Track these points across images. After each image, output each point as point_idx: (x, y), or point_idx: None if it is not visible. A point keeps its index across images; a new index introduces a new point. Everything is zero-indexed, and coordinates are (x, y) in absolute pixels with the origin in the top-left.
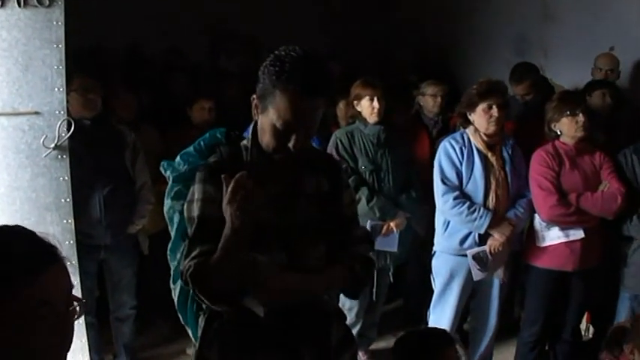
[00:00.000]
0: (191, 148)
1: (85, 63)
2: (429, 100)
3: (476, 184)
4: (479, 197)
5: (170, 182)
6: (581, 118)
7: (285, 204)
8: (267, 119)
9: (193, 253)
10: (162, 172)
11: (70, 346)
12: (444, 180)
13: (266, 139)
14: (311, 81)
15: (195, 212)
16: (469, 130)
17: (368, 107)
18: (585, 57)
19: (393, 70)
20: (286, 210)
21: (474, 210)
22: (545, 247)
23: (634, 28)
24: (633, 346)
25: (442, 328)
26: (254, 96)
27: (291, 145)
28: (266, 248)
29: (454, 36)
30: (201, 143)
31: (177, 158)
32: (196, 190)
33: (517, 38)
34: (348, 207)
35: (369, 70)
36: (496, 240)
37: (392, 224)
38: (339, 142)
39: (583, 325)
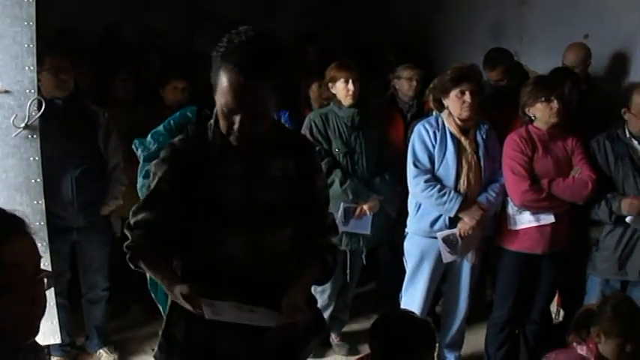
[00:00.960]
0: (161, 127)
1: (59, 43)
2: (405, 83)
3: (447, 168)
4: (450, 181)
5: (141, 161)
6: (555, 104)
7: (248, 185)
8: (217, 101)
9: (137, 218)
10: (135, 150)
11: (42, 315)
12: (416, 163)
13: (220, 121)
14: (252, 63)
15: (152, 185)
16: (444, 114)
17: (343, 90)
18: (560, 44)
19: (369, 52)
20: (249, 191)
21: (445, 193)
22: (517, 231)
23: (608, 17)
24: (599, 329)
25: (428, 322)
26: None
27: (235, 127)
28: (227, 228)
29: (431, 20)
30: (171, 122)
31: (148, 137)
32: (157, 167)
33: (494, 23)
34: (321, 192)
35: (345, 52)
36: (466, 223)
37: (365, 207)
38: (313, 125)
39: (554, 308)
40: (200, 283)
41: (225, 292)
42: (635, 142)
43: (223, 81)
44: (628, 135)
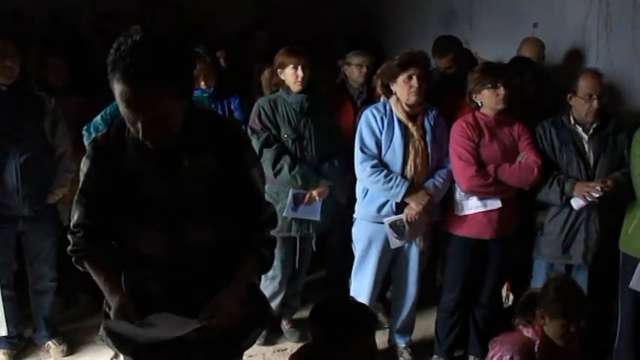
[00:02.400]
0: (99, 117)
1: (4, 28)
2: (355, 70)
3: (394, 153)
4: (397, 166)
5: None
6: (502, 90)
7: (166, 181)
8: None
9: (73, 219)
10: (84, 139)
11: None
12: (363, 148)
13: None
14: (136, 73)
15: (80, 184)
16: (392, 100)
17: (292, 75)
18: (510, 32)
19: (320, 39)
20: (167, 187)
21: (391, 178)
22: (464, 216)
23: (557, 6)
24: (543, 311)
25: (367, 305)
26: None
27: (140, 135)
28: (147, 225)
29: (383, 8)
30: (107, 112)
31: (91, 126)
32: (83, 163)
33: (444, 11)
34: (257, 185)
35: (296, 38)
36: (412, 209)
37: (314, 193)
38: (261, 111)
39: (504, 292)
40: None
41: (152, 288)
42: (579, 129)
43: (116, 92)
44: (572, 122)
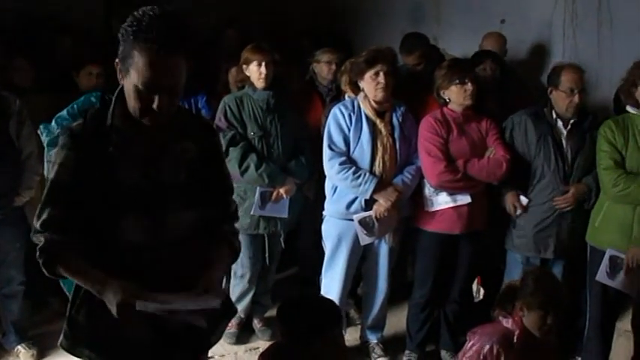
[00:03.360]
0: (65, 112)
1: None
2: (324, 67)
3: (363, 150)
4: (365, 163)
5: (45, 146)
6: (469, 86)
7: (149, 167)
8: (130, 82)
9: (43, 217)
10: (40, 135)
11: None
12: (331, 145)
13: (131, 103)
14: (167, 37)
15: (51, 175)
16: (359, 97)
17: (256, 72)
18: (478, 29)
19: (289, 36)
20: (150, 173)
21: (359, 175)
22: (434, 212)
23: (524, 3)
24: (522, 303)
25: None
26: (117, 60)
27: (155, 105)
28: (128, 211)
29: (352, 5)
30: (75, 107)
31: (52, 122)
32: (56, 154)
33: (412, 7)
34: (226, 178)
35: (264, 35)
36: (381, 205)
37: (281, 190)
38: (227, 109)
39: (475, 287)
40: (130, 280)
41: (128, 279)
42: (560, 123)
43: (139, 60)
44: (555, 115)
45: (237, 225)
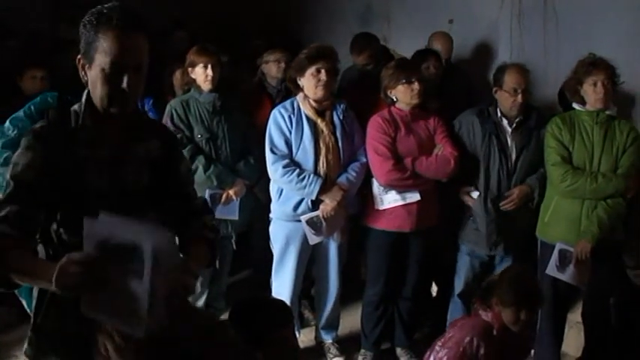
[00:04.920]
0: (21, 113)
1: None
2: (272, 66)
3: (305, 151)
4: (309, 164)
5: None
6: (416, 85)
7: (114, 168)
8: (95, 70)
9: (1, 213)
10: None
11: None
12: (273, 149)
13: (98, 92)
14: (128, 19)
15: (14, 174)
16: (299, 97)
17: (202, 75)
18: (427, 28)
19: (239, 38)
20: (115, 174)
21: (304, 177)
22: (384, 210)
23: (471, 3)
24: (497, 299)
25: (283, 300)
26: (78, 57)
27: (124, 85)
28: (92, 212)
29: (303, 6)
30: (32, 107)
31: (7, 123)
32: (21, 155)
33: (362, 8)
34: (186, 177)
35: (214, 38)
36: (327, 205)
37: (231, 192)
38: (174, 112)
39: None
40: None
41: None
42: (505, 122)
43: (104, 41)
44: (499, 114)
45: (210, 218)
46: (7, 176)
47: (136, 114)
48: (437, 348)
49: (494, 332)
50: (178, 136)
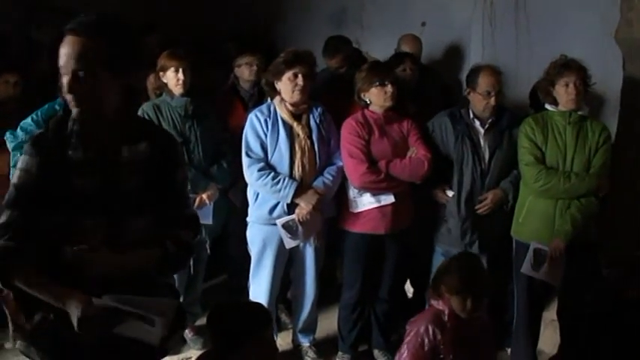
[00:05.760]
0: (29, 119)
1: None
2: (245, 69)
3: (281, 155)
4: (284, 167)
5: (11, 151)
6: (389, 88)
7: (101, 171)
8: None
9: (2, 219)
10: (7, 142)
11: None
12: (249, 152)
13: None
14: (81, 23)
15: (14, 180)
16: (275, 101)
17: (173, 79)
18: (400, 31)
19: (213, 41)
20: (103, 177)
21: (279, 180)
22: (359, 213)
23: (444, 6)
24: (445, 287)
25: (261, 304)
26: None
27: (65, 88)
28: (86, 216)
29: (275, 8)
30: (39, 114)
31: (18, 129)
32: (20, 160)
33: (335, 11)
34: (181, 184)
35: (188, 41)
36: (303, 208)
37: (204, 196)
38: (145, 116)
39: (407, 285)
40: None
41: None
42: (477, 123)
43: (61, 49)
44: (471, 116)
45: (192, 234)
46: (12, 180)
47: (127, 116)
48: (401, 347)
49: (446, 319)
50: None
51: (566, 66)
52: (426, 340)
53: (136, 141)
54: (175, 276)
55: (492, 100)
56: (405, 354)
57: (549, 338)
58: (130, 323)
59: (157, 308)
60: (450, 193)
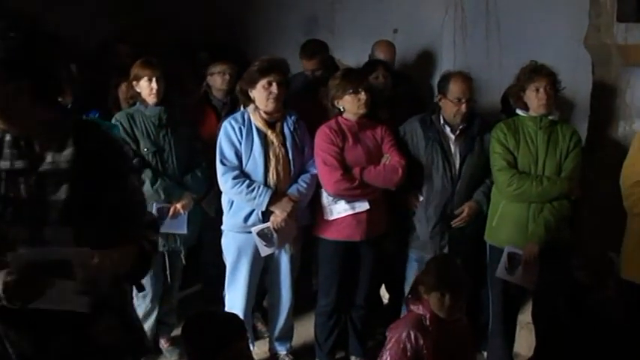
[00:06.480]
0: None
1: None
2: (217, 78)
3: (255, 163)
4: (259, 175)
5: None
6: (363, 96)
7: (28, 180)
8: None
9: None
10: None
11: None
12: (223, 160)
13: None
14: None
15: None
16: (249, 109)
17: (146, 88)
18: (371, 39)
19: (186, 50)
20: (30, 186)
21: (254, 188)
22: (334, 220)
23: (415, 13)
24: (422, 286)
25: (235, 314)
26: None
27: None
28: (11, 225)
29: (245, 16)
30: None
31: None
32: None
33: (307, 18)
34: (134, 192)
35: (159, 50)
36: (278, 216)
37: (178, 205)
38: (119, 125)
39: (383, 291)
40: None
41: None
42: (448, 129)
43: None
44: (442, 122)
45: (154, 236)
46: None
47: (60, 124)
48: (382, 353)
49: (428, 323)
50: (124, 149)
51: (536, 71)
52: (409, 346)
53: (59, 148)
54: (151, 287)
55: (463, 107)
56: None
57: (525, 341)
58: (58, 288)
59: (75, 256)
60: (420, 198)
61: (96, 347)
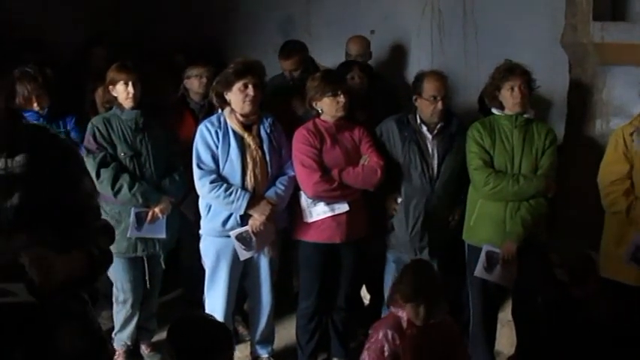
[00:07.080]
0: None
1: None
2: (195, 81)
3: (232, 166)
4: (236, 179)
5: None
6: (342, 98)
7: None
8: None
9: None
10: None
11: None
12: (200, 164)
13: None
14: None
15: None
16: (225, 112)
17: (123, 92)
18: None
19: (163, 53)
20: None
21: (231, 192)
22: (313, 222)
23: (392, 14)
24: (399, 295)
25: (222, 322)
26: None
27: None
28: None
29: (221, 18)
30: None
31: None
32: None
33: (283, 20)
34: (87, 196)
35: (135, 53)
36: (256, 219)
37: (156, 210)
38: (95, 130)
39: (364, 292)
40: None
41: None
42: (424, 128)
43: None
44: (419, 121)
45: (117, 253)
46: None
47: (11, 129)
48: (362, 352)
49: (405, 325)
50: (101, 154)
51: (511, 70)
52: (386, 346)
53: (14, 153)
54: (131, 293)
55: (439, 105)
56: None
57: (506, 339)
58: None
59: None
60: (399, 200)
61: (57, 354)
